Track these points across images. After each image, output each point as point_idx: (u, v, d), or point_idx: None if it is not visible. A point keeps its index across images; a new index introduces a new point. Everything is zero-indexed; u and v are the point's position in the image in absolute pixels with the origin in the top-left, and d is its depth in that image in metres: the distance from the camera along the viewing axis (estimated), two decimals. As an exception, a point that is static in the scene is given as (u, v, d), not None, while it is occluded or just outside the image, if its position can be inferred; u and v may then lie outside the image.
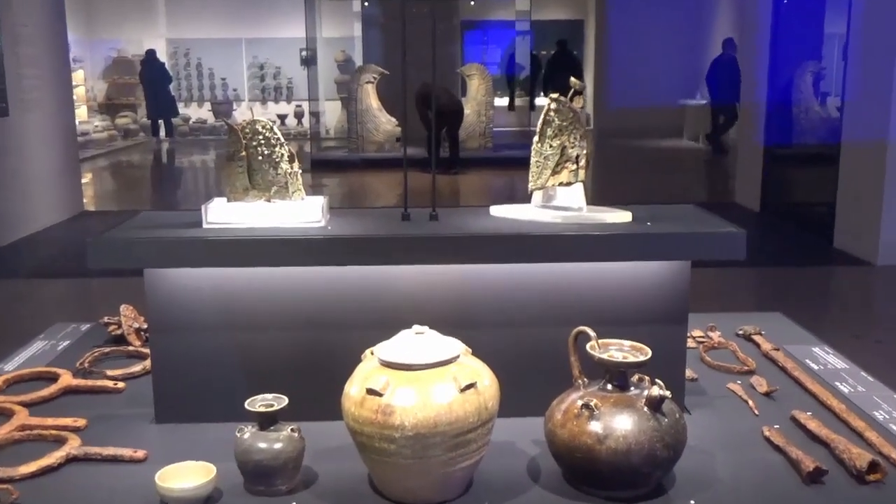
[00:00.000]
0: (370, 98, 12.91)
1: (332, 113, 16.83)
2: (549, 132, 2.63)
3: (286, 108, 18.95)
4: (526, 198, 2.77)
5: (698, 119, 15.64)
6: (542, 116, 2.64)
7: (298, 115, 18.51)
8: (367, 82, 12.90)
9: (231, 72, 18.99)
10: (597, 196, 2.77)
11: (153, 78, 16.96)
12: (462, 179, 11.81)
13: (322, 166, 12.69)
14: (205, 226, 2.56)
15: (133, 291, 3.21)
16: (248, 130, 2.57)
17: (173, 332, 2.58)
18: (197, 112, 18.97)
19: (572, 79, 2.65)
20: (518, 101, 16.57)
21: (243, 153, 2.57)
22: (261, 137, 2.57)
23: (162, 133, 17.64)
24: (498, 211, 2.77)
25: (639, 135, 16.13)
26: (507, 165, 12.34)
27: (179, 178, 13.69)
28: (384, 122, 12.89)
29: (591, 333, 2.15)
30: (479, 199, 10.66)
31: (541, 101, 15.56)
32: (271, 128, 2.58)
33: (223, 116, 18.09)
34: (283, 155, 2.58)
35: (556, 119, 2.61)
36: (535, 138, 2.67)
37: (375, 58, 14.72)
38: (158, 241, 2.46)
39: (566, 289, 2.59)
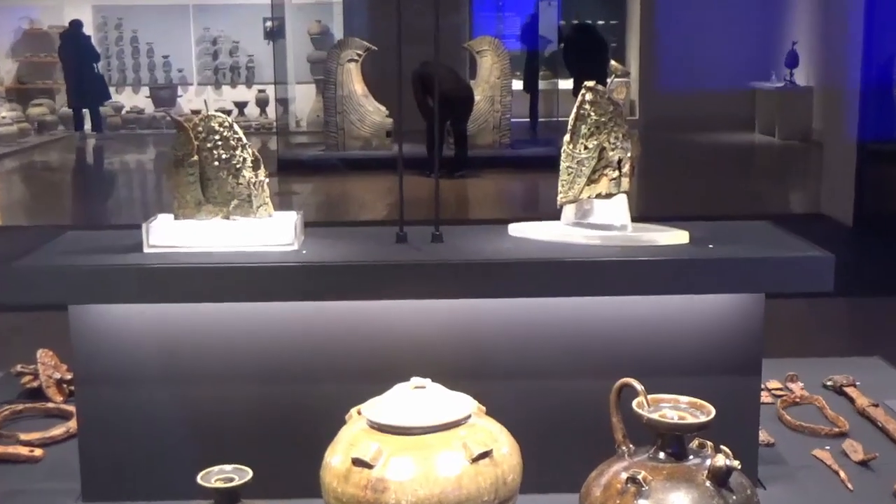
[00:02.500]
0: (353, 81, 12.95)
1: (304, 100, 16.85)
2: (584, 130, 2.66)
3: (246, 93, 18.98)
4: (554, 212, 2.79)
5: (774, 107, 15.66)
6: (574, 110, 2.67)
7: (261, 103, 18.54)
8: (350, 61, 12.95)
9: (175, 48, 19.04)
10: (644, 209, 2.79)
11: (77, 56, 17.00)
12: (471, 185, 11.81)
13: (292, 169, 12.68)
14: (146, 250, 2.58)
15: (54, 332, 3.22)
16: (201, 129, 2.60)
17: (105, 384, 2.59)
18: (132, 99, 19.00)
19: (613, 62, 2.69)
20: (542, 84, 16.59)
21: (195, 157, 2.60)
22: (217, 137, 2.60)
23: (87, 126, 17.68)
24: (518, 230, 2.79)
25: (697, 127, 16.12)
26: (530, 168, 12.34)
27: (111, 185, 13.70)
28: (371, 112, 12.93)
29: (639, 387, 2.16)
30: (493, 212, 10.64)
31: (565, 84, 15.55)
32: (231, 125, 2.61)
33: (166, 106, 18.14)
34: (244, 160, 2.61)
35: (591, 113, 2.64)
36: (566, 138, 2.69)
37: (360, 30, 14.75)
38: (87, 270, 2.48)
39: (606, 330, 2.61)
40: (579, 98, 2.65)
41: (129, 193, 13.09)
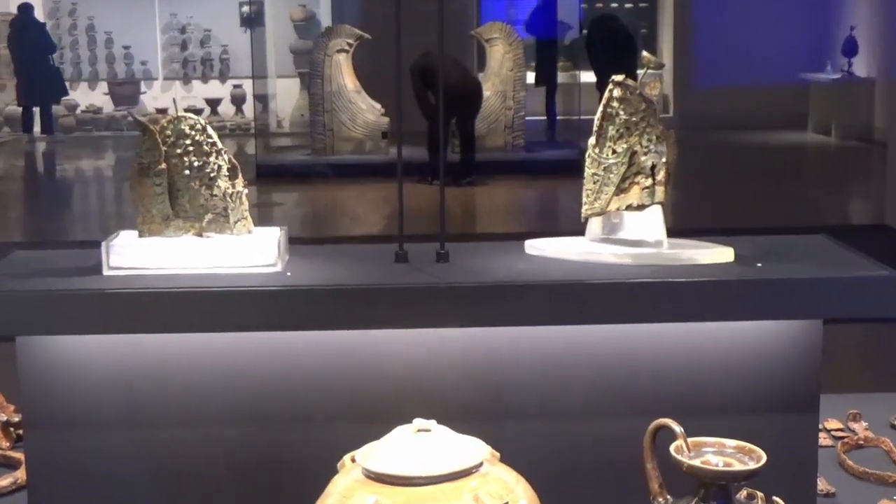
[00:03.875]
0: (344, 75, 12.98)
1: (287, 97, 16.89)
2: (612, 131, 2.66)
3: (219, 89, 19.02)
4: (577, 226, 2.79)
5: (830, 102, 15.66)
6: (600, 108, 2.68)
7: (237, 101, 18.58)
8: (340, 51, 12.98)
9: (138, 37, 19.08)
10: (681, 221, 2.79)
11: (28, 46, 17.03)
12: (481, 194, 11.81)
13: (273, 176, 12.68)
14: (105, 272, 2.58)
15: (-1, 368, 3.22)
16: (169, 132, 2.61)
17: (58, 428, 2.59)
18: (88, 96, 19.02)
19: (645, 53, 2.68)
20: (562, 77, 16.59)
21: (162, 165, 2.60)
22: (188, 142, 2.60)
23: (37, 128, 17.70)
24: (536, 247, 2.79)
25: (740, 126, 16.12)
26: (548, 174, 12.34)
27: (65, 196, 13.69)
28: (364, 111, 12.96)
29: (677, 429, 2.16)
30: (506, 225, 10.64)
31: (587, 77, 15.57)
32: (203, 128, 2.61)
33: (127, 104, 18.19)
34: (220, 168, 2.62)
35: (620, 112, 2.64)
36: (591, 140, 2.70)
37: (351, 15, 14.81)
38: (37, 296, 2.47)
39: (639, 362, 2.60)
40: (606, 94, 2.66)
41: (86, 206, 13.07)
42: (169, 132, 2.61)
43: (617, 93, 2.64)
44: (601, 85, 14.28)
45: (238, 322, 2.47)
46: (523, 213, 11.59)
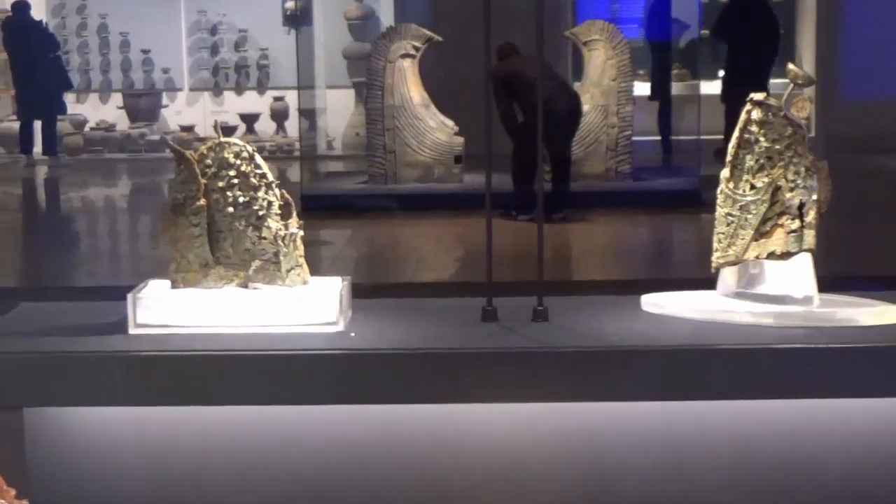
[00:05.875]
0: (409, 85, 13.02)
1: (339, 112, 16.97)
2: (750, 162, 2.66)
3: (257, 102, 19.13)
4: (707, 277, 2.79)
5: None
6: (736, 133, 2.67)
7: (279, 116, 18.71)
8: (404, 56, 13.03)
9: (159, 40, 19.31)
10: (829, 268, 2.76)
11: (26, 48, 17.23)
12: (577, 233, 11.69)
13: (321, 209, 12.68)
14: (132, 330, 2.61)
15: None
16: (210, 161, 2.64)
17: (73, 520, 2.63)
18: (99, 110, 19.21)
19: (791, 66, 2.67)
20: (677, 88, 16.49)
21: (202, 201, 2.63)
22: (233, 173, 2.64)
23: (38, 148, 17.86)
24: (655, 302, 2.80)
25: (901, 148, 16.00)
26: (662, 209, 12.24)
27: (73, 232, 13.80)
28: (434, 129, 12.96)
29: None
30: (608, 271, 10.51)
31: (708, 87, 15.42)
32: (251, 156, 2.64)
33: (145, 120, 18.39)
34: (270, 204, 2.64)
35: (761, 138, 2.64)
36: (725, 172, 2.70)
37: (417, 13, 14.86)
38: (48, 359, 2.51)
39: (783, 448, 2.59)
40: (743, 116, 2.66)
41: (98, 245, 13.11)
42: (209, 161, 2.64)
43: (756, 114, 2.64)
44: (732, 96, 14.13)
45: (291, 393, 2.49)
46: (631, 258, 11.46)
